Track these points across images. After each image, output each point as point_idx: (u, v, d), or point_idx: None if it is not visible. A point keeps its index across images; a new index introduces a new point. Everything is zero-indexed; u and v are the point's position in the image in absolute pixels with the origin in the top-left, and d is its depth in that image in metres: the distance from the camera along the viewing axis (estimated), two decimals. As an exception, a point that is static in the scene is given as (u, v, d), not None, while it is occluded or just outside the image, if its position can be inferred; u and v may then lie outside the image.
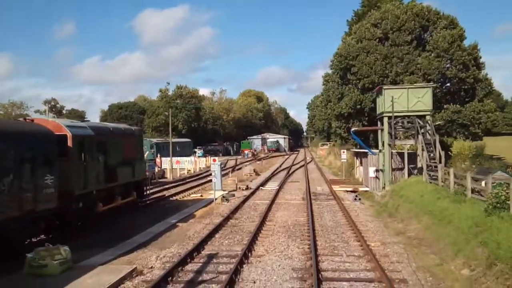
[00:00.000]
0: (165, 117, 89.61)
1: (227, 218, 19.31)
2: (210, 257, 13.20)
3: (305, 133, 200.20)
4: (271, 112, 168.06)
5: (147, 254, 13.81)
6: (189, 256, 13.00)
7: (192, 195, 29.43)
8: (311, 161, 72.03)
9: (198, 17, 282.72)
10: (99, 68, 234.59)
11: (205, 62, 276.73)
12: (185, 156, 63.65)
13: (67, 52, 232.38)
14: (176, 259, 12.74)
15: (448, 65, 42.60)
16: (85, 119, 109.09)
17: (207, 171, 47.05)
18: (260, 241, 15.14)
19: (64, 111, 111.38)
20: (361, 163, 36.06)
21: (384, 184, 27.37)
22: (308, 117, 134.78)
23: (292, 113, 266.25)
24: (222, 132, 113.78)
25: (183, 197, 28.92)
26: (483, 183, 16.59)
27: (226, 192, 30.23)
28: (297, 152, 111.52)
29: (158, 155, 59.29)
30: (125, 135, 20.47)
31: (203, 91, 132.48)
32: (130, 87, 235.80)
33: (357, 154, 38.33)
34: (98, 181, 17.21)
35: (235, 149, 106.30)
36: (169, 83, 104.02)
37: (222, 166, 38.32)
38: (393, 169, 27.10)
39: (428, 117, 25.91)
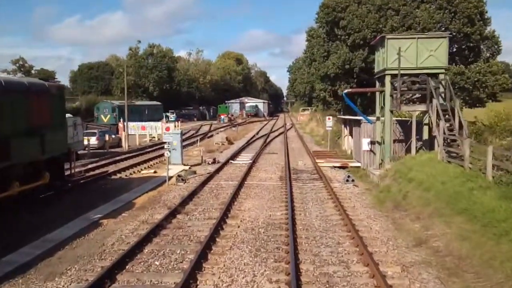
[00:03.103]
0: (134, 77, 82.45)
1: (174, 213, 13.67)
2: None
3: (285, 98, 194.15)
4: (251, 76, 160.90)
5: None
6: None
7: (143, 171, 23.64)
8: (291, 127, 66.59)
9: None
10: (79, 28, 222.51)
11: (186, 24, 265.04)
12: (156, 120, 57.49)
13: (46, 11, 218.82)
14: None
15: (451, 19, 36.95)
16: (55, 79, 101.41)
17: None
18: (211, 264, 9.57)
19: (33, 71, 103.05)
20: (350, 132, 30.63)
21: (382, 160, 22.02)
22: (289, 80, 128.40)
23: (273, 78, 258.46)
24: (197, 95, 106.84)
25: (131, 174, 23.16)
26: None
27: (188, 167, 24.55)
28: (276, 118, 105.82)
29: (121, 120, 53.00)
30: (31, 93, 14.34)
31: (183, 54, 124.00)
32: (109, 49, 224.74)
33: (345, 122, 32.85)
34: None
35: (211, 114, 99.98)
36: (140, 41, 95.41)
37: (186, 134, 32.41)
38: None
39: (442, 76, 20.36)
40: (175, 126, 55.18)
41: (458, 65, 36.43)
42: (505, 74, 36.05)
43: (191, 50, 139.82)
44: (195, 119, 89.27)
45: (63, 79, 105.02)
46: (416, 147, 22.09)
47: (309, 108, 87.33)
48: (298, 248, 10.42)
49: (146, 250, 10.33)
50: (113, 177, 21.86)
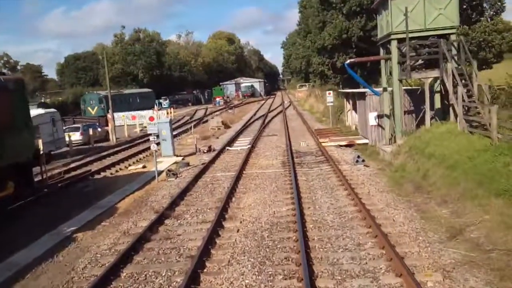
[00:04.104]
0: (122, 65, 79.80)
1: (161, 218, 11.71)
2: None
3: (281, 76, 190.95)
4: (244, 55, 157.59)
5: None
6: None
7: (131, 167, 21.64)
8: (290, 105, 64.38)
9: None
10: (66, 20, 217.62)
11: (177, 7, 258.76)
12: (148, 108, 55.30)
13: (31, 6, 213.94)
14: None
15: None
16: (43, 74, 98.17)
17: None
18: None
19: (18, 67, 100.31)
20: (354, 107, 28.53)
21: (393, 135, 20.00)
22: (284, 57, 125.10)
23: (268, 56, 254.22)
24: (190, 79, 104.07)
25: (117, 171, 21.16)
26: None
27: (180, 158, 22.58)
28: (273, 96, 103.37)
29: (110, 111, 50.75)
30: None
31: (173, 38, 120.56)
32: (99, 38, 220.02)
33: (347, 96, 30.70)
34: None
35: (206, 97, 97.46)
36: (124, 27, 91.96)
37: (177, 122, 30.41)
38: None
39: (453, 37, 18.18)
40: (167, 113, 53.33)
41: (461, 26, 34.01)
42: (512, 31, 33.57)
43: (180, 32, 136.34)
44: (189, 104, 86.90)
45: (51, 72, 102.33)
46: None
47: (306, 84, 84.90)
48: (312, 256, 8.48)
49: (124, 274, 8.38)
50: (96, 176, 19.84)
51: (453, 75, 15.90)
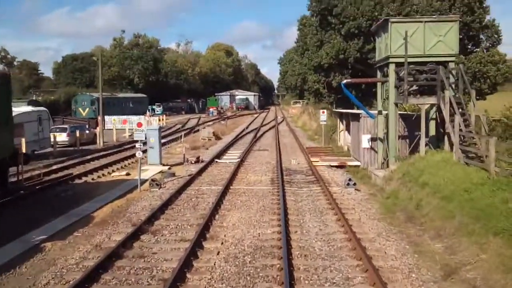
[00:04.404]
0: (118, 69, 79.13)
1: (138, 233, 11.00)
2: None
3: (276, 91, 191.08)
4: (241, 68, 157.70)
5: None
6: None
7: (115, 173, 20.88)
8: (283, 121, 63.95)
9: None
10: (69, 20, 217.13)
11: (179, 16, 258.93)
12: (141, 114, 54.52)
13: (35, 2, 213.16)
14: None
15: (449, 7, 34.45)
16: (39, 71, 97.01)
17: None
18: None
19: (15, 63, 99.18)
20: (347, 127, 28.07)
21: (385, 159, 19.50)
22: (280, 73, 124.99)
23: (264, 71, 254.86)
24: (186, 87, 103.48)
25: (99, 176, 20.38)
26: None
27: (167, 168, 21.89)
28: (267, 111, 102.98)
29: (100, 114, 49.86)
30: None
31: (172, 46, 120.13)
32: (100, 41, 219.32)
33: (341, 116, 30.27)
34: None
35: (200, 106, 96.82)
36: (124, 31, 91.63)
37: (166, 129, 29.83)
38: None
39: (451, 65, 17.83)
40: (159, 120, 52.65)
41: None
42: (507, 63, 33.66)
43: (180, 41, 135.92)
44: (183, 112, 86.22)
45: (47, 71, 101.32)
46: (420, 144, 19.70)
47: (300, 101, 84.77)
48: (295, 290, 7.83)
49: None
50: (77, 181, 19.04)
51: (451, 103, 15.46)
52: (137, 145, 17.18)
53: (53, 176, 19.87)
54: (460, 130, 14.71)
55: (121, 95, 65.62)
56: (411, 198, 14.04)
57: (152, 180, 17.34)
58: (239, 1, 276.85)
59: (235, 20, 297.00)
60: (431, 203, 12.82)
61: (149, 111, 66.36)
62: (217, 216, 12.77)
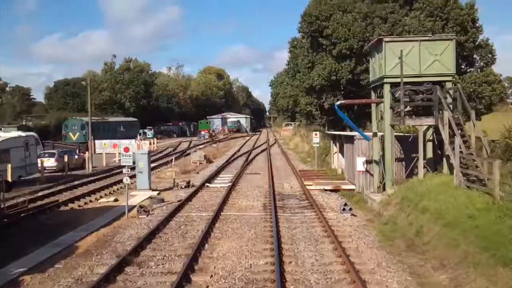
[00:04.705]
0: (109, 93, 78.61)
1: (122, 264, 10.24)
2: None
3: (267, 113, 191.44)
4: (233, 91, 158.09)
5: None
6: None
7: (102, 200, 20.06)
8: (275, 143, 63.45)
9: None
10: (61, 46, 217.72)
11: (170, 41, 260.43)
12: (132, 137, 53.89)
13: (27, 29, 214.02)
14: None
15: (442, 26, 34.49)
16: (31, 96, 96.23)
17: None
18: None
19: (7, 88, 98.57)
20: (340, 149, 27.56)
21: (381, 183, 18.92)
22: (271, 95, 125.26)
23: (256, 94, 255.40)
24: (177, 111, 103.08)
25: (86, 203, 19.56)
26: None
27: (156, 193, 21.15)
28: (259, 133, 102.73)
29: (92, 138, 49.08)
30: None
31: (164, 70, 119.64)
32: (92, 66, 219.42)
33: (334, 138, 29.79)
34: None
35: (192, 130, 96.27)
36: (115, 56, 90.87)
37: (157, 154, 29.17)
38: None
39: (449, 85, 17.47)
40: (150, 144, 51.96)
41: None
42: (502, 83, 33.58)
43: (171, 65, 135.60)
44: (174, 135, 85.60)
45: (40, 96, 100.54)
46: (418, 167, 19.18)
47: (292, 123, 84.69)
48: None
49: None
50: (62, 208, 18.22)
51: (450, 124, 15.00)
52: (124, 170, 16.49)
53: (39, 203, 19.02)
54: (461, 152, 14.20)
55: (111, 119, 65.01)
56: (411, 224, 13.44)
57: (140, 206, 16.59)
58: (229, 27, 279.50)
59: (226, 44, 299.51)
60: (432, 229, 12.22)
61: (140, 135, 65.73)
62: (206, 246, 12.04)
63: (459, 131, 15.27)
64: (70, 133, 52.91)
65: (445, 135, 15.17)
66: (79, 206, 18.87)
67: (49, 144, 45.60)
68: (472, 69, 35.88)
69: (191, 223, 14.76)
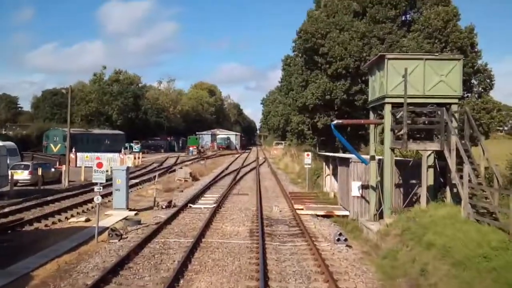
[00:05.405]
0: (97, 104, 76.79)
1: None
2: None
3: (258, 131, 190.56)
4: (224, 107, 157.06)
5: None
6: None
7: (72, 219, 18.29)
8: (264, 162, 61.96)
9: (164, 11, 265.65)
10: (55, 56, 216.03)
11: (164, 56, 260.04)
12: (118, 151, 51.97)
13: (22, 37, 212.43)
14: None
15: (441, 49, 33.58)
16: (18, 105, 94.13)
17: (131, 173, 35.71)
18: None
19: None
20: (333, 172, 26.14)
21: (378, 210, 17.46)
22: (262, 113, 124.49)
23: (247, 112, 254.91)
24: (166, 125, 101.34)
25: (54, 223, 17.76)
26: None
27: (133, 213, 19.47)
28: (249, 151, 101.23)
29: (73, 150, 47.22)
30: None
31: (155, 83, 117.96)
32: (86, 77, 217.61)
33: (327, 159, 28.38)
34: None
35: (180, 145, 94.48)
36: (105, 67, 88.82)
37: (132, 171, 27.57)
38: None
39: (454, 108, 16.20)
40: (135, 158, 50.13)
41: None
42: (501, 112, 32.56)
43: (162, 78, 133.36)
44: (162, 150, 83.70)
45: (27, 105, 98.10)
46: (417, 194, 17.82)
47: (282, 142, 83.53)
48: None
49: None
50: (27, 227, 16.44)
51: (457, 150, 13.65)
52: (95, 188, 14.84)
53: (1, 220, 17.22)
54: (470, 181, 12.81)
55: (96, 131, 63.15)
56: (414, 261, 11.93)
57: (112, 229, 14.89)
58: (222, 44, 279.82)
59: (219, 61, 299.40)
60: (440, 269, 10.72)
61: (126, 148, 63.81)
62: (182, 281, 10.42)
63: (470, 159, 13.94)
64: (51, 144, 50.99)
65: (452, 161, 13.79)
66: (45, 226, 17.08)
67: (28, 155, 43.68)
68: (470, 95, 34.96)
69: (167, 252, 13.11)
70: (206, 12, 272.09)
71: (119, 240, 14.35)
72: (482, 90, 35.12)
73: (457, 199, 14.78)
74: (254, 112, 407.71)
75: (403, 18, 37.56)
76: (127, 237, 14.88)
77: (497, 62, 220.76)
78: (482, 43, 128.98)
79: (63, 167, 30.14)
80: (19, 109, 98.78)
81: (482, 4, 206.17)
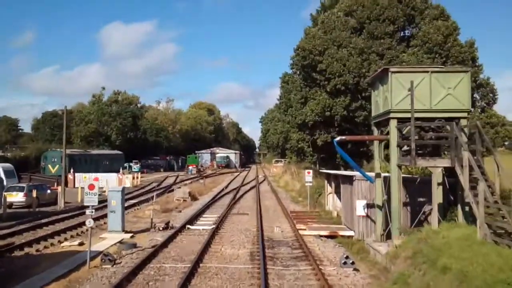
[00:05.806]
0: (96, 125, 76.23)
1: None
2: None
3: (257, 149, 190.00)
4: (223, 126, 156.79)
5: None
6: None
7: (65, 243, 17.42)
8: (264, 180, 61.12)
9: (164, 33, 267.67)
10: (56, 79, 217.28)
11: (164, 77, 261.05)
12: (117, 171, 51.24)
13: (23, 61, 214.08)
14: None
15: (442, 64, 33.13)
16: (19, 127, 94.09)
17: (129, 193, 34.93)
18: None
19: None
20: (336, 190, 25.34)
21: (385, 230, 16.64)
22: (261, 131, 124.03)
23: (246, 130, 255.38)
24: (166, 145, 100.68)
25: (46, 246, 16.92)
26: None
27: (129, 236, 18.65)
28: (248, 169, 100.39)
29: (71, 171, 46.44)
30: None
31: (153, 103, 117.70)
32: (85, 99, 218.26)
33: (329, 177, 27.58)
34: None
35: (179, 164, 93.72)
36: (104, 88, 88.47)
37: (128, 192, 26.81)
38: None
39: (463, 122, 15.53)
40: (134, 178, 49.30)
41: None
42: (506, 127, 31.94)
43: (161, 99, 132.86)
44: (161, 169, 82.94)
45: (27, 127, 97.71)
46: (425, 213, 17.07)
47: (282, 159, 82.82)
48: None
49: None
50: (17, 252, 15.60)
51: (471, 166, 12.92)
52: (87, 211, 14.06)
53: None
54: (485, 200, 12.04)
55: (95, 151, 62.49)
56: (428, 287, 11.08)
57: (105, 254, 14.04)
58: (222, 64, 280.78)
59: (218, 81, 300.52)
60: (457, 296, 9.89)
61: (125, 168, 62.97)
62: (177, 314, 9.57)
63: (485, 176, 13.21)
64: (49, 165, 50.28)
65: (464, 179, 13.02)
66: (37, 250, 16.22)
67: (26, 177, 42.97)
68: (473, 109, 34.45)
69: (163, 278, 12.27)
70: (205, 32, 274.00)
71: (112, 266, 13.52)
72: (485, 105, 34.63)
73: (470, 218, 14.03)
74: (253, 131, 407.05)
75: (402, 33, 37.12)
76: (120, 262, 14.05)
77: (497, 77, 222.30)
78: (482, 58, 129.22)
79: (59, 189, 29.31)
80: (20, 131, 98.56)
81: (481, 21, 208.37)
